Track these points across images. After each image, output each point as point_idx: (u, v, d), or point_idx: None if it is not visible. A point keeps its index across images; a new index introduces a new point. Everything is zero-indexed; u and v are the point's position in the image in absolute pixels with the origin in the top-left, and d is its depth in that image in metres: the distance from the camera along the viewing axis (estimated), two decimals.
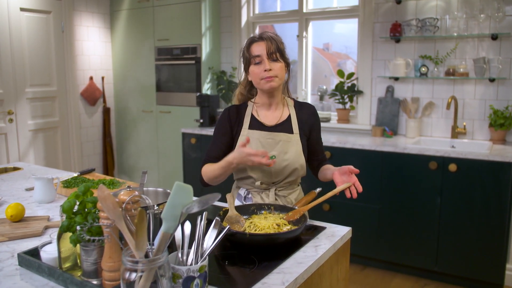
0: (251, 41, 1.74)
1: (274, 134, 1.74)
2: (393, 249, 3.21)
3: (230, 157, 1.59)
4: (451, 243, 3.00)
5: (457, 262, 2.99)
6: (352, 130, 3.86)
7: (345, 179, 1.61)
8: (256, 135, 1.75)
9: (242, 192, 1.80)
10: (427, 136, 3.58)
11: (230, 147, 1.78)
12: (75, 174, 2.25)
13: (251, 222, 1.48)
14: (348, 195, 1.58)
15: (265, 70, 1.67)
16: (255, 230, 1.43)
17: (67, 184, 2.06)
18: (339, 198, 3.30)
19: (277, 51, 1.69)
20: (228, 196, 1.61)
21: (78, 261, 1.20)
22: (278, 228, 1.45)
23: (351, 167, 1.60)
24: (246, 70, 1.76)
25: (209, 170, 1.71)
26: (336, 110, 3.98)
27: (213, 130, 4.12)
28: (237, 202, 1.81)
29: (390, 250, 3.23)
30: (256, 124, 1.78)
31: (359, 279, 3.21)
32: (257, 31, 4.48)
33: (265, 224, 1.45)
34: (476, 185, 2.87)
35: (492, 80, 3.25)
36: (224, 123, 1.80)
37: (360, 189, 1.56)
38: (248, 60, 1.72)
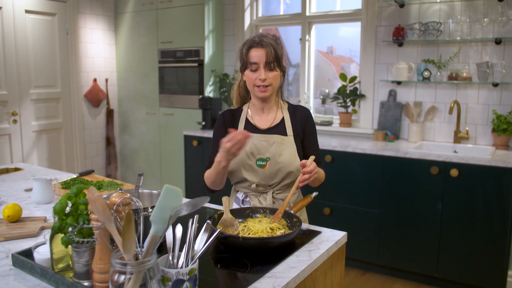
0: (251, 45, 1.71)
1: (267, 136, 1.75)
2: (393, 254, 3.19)
3: (217, 156, 1.57)
4: (452, 249, 2.97)
5: (459, 268, 2.97)
6: (354, 134, 3.85)
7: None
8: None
9: (240, 195, 1.81)
10: (429, 141, 3.56)
11: None
12: (74, 176, 2.26)
13: (245, 226, 1.48)
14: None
15: (260, 79, 1.68)
16: (249, 233, 1.43)
17: (66, 185, 2.07)
18: (340, 202, 3.31)
19: (275, 60, 1.68)
20: (223, 199, 1.61)
21: (70, 262, 1.20)
22: (272, 232, 1.44)
23: (303, 162, 1.57)
24: (242, 71, 1.76)
25: (207, 176, 1.74)
26: (338, 114, 3.97)
27: None
28: (235, 206, 1.81)
29: (390, 255, 3.21)
30: (250, 128, 1.79)
31: (359, 284, 3.19)
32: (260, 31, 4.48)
33: (259, 227, 1.44)
34: (478, 191, 2.84)
35: (495, 84, 3.23)
36: (220, 128, 1.83)
37: (303, 179, 1.54)
38: (245, 64, 1.72)
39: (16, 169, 2.58)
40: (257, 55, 1.67)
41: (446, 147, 3.41)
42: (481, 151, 3.25)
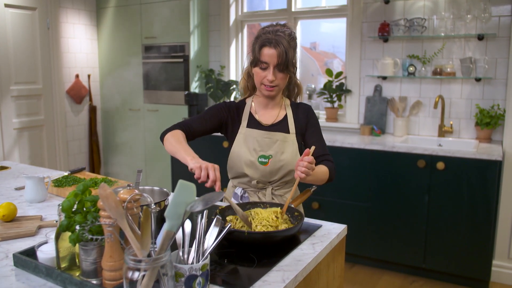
0: (264, 43, 1.63)
1: (271, 133, 1.74)
2: (382, 247, 3.25)
3: (191, 159, 1.46)
4: (438, 240, 3.04)
5: (445, 259, 3.04)
6: (340, 128, 3.89)
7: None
8: (254, 134, 1.75)
9: (239, 191, 1.80)
10: (414, 135, 3.63)
11: (213, 130, 1.76)
12: (66, 173, 2.22)
13: (251, 214, 1.49)
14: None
15: (268, 79, 1.65)
16: (256, 226, 1.44)
17: (58, 183, 2.03)
18: (328, 196, 3.34)
19: (286, 63, 1.62)
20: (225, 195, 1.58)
21: (77, 260, 1.18)
22: (276, 220, 1.45)
23: (305, 152, 1.48)
24: (252, 66, 1.71)
25: (173, 142, 1.60)
26: (324, 109, 4.00)
27: None
28: (233, 201, 1.80)
29: (379, 247, 3.26)
30: (253, 123, 1.78)
31: (349, 277, 3.24)
32: (241, 27, 4.47)
33: (265, 214, 1.46)
34: (463, 183, 2.92)
35: (478, 79, 3.31)
36: (222, 109, 1.78)
37: (302, 169, 1.44)
38: (256, 60, 1.67)
39: (3, 168, 2.51)
40: (269, 54, 1.62)
41: (431, 141, 3.48)
42: (465, 144, 3.33)
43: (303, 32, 4.29)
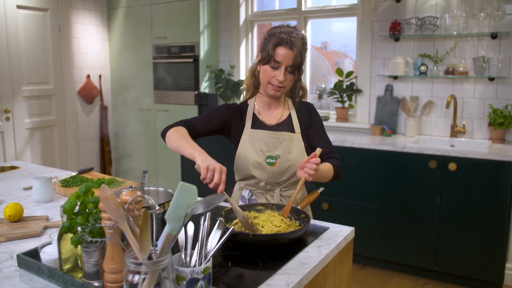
0: (280, 42, 1.60)
1: (278, 133, 1.72)
2: (392, 248, 3.21)
3: (199, 155, 1.42)
4: (450, 242, 2.99)
5: (457, 261, 2.99)
6: (351, 129, 3.85)
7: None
8: (260, 134, 1.72)
9: (246, 194, 1.77)
10: (426, 135, 3.58)
11: (215, 131, 1.74)
12: (74, 173, 2.23)
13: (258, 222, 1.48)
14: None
15: (278, 79, 1.63)
16: (262, 226, 1.42)
17: (66, 183, 2.04)
18: (338, 197, 3.31)
19: (298, 66, 1.62)
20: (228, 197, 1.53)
21: (79, 262, 1.18)
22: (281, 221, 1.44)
23: (312, 154, 1.46)
24: (261, 63, 1.67)
25: (177, 137, 1.58)
26: (335, 109, 3.96)
27: None
28: (241, 203, 1.78)
29: (389, 249, 3.22)
30: (258, 124, 1.75)
31: (358, 279, 3.20)
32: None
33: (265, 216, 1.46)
34: (476, 184, 2.86)
35: (491, 79, 3.25)
36: (225, 111, 1.75)
37: (310, 172, 1.42)
38: (268, 58, 1.62)
39: (13, 167, 2.53)
40: (283, 55, 1.59)
41: (443, 141, 3.43)
42: (477, 145, 3.27)
43: (313, 31, 4.26)
